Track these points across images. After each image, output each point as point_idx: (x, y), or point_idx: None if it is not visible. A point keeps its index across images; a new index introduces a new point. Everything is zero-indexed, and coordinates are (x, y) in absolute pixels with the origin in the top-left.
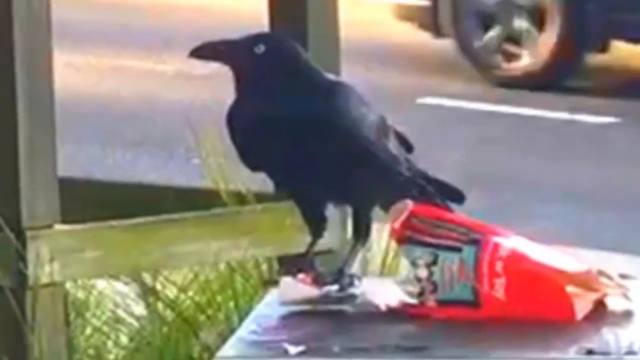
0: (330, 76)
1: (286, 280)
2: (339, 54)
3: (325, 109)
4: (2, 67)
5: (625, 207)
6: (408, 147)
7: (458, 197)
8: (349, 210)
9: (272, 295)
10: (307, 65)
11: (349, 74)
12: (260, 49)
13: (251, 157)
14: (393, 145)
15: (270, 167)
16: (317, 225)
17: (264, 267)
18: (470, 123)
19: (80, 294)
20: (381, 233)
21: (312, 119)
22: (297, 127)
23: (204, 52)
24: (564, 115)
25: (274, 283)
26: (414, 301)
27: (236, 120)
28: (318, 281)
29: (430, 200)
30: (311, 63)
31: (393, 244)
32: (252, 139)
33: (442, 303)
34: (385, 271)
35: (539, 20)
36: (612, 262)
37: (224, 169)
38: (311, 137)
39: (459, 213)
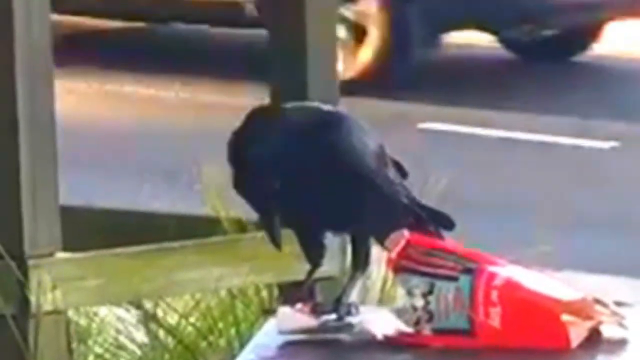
0: (329, 107)
1: (284, 310)
2: (337, 82)
3: (326, 141)
4: (3, 94)
5: None
6: (403, 174)
7: (448, 224)
8: (348, 238)
9: (271, 324)
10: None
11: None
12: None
13: (252, 191)
14: (392, 173)
15: (270, 198)
16: (316, 254)
17: (265, 293)
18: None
19: (82, 321)
20: (380, 261)
21: (313, 150)
22: (297, 159)
23: None
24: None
25: (273, 312)
26: (410, 330)
27: (236, 155)
28: (316, 310)
29: (425, 228)
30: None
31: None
32: (252, 173)
33: (438, 332)
34: (384, 298)
35: (358, 31)
36: (611, 286)
37: (224, 196)
38: (312, 168)
39: (454, 239)
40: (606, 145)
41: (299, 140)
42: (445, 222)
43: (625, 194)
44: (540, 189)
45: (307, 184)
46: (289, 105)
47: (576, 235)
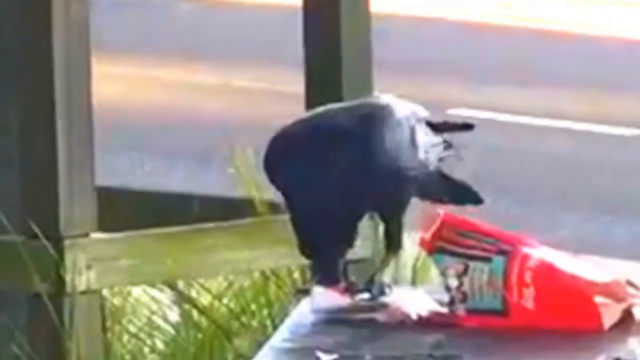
0: (362, 100)
1: (318, 289)
2: (372, 68)
3: (360, 132)
4: (41, 78)
5: None
6: (435, 128)
7: (476, 199)
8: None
9: (305, 304)
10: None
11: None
12: None
13: (281, 180)
14: (422, 151)
15: (300, 186)
16: (348, 238)
17: (297, 275)
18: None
19: (117, 301)
20: (412, 241)
21: (345, 141)
22: (330, 149)
23: None
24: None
25: (307, 292)
26: (444, 310)
27: (274, 160)
28: (350, 290)
29: (452, 202)
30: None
31: (422, 253)
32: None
33: (471, 312)
34: (417, 279)
35: None
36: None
37: (257, 179)
38: (343, 157)
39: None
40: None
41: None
42: (473, 197)
43: None
44: (564, 175)
45: (337, 169)
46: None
47: (596, 219)
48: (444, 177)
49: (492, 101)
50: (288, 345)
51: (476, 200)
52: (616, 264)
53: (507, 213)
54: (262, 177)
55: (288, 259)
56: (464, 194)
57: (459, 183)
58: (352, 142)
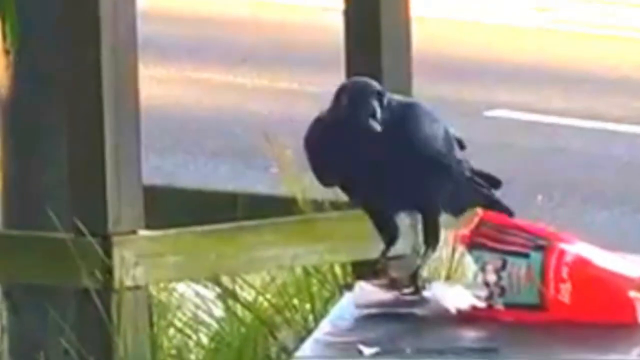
0: (401, 98)
1: (361, 284)
2: (411, 71)
3: (399, 130)
4: (90, 81)
5: None
6: (462, 146)
7: (497, 184)
8: (419, 217)
9: (347, 299)
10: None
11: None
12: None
13: (328, 177)
14: (458, 152)
15: (345, 184)
16: (390, 234)
17: (339, 271)
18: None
19: (162, 297)
20: (447, 239)
21: (386, 140)
22: (371, 148)
23: None
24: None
25: (350, 287)
26: (482, 305)
27: (314, 144)
28: (392, 285)
29: (486, 198)
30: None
31: (458, 249)
32: (328, 159)
33: (509, 306)
34: (451, 275)
35: None
36: None
37: (301, 178)
38: (385, 156)
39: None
40: None
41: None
42: (492, 182)
43: None
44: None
45: (381, 168)
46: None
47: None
48: (476, 186)
49: (530, 102)
50: (330, 338)
51: (495, 183)
52: None
53: None
54: (304, 176)
55: (329, 255)
56: (494, 205)
57: (478, 171)
58: (392, 133)
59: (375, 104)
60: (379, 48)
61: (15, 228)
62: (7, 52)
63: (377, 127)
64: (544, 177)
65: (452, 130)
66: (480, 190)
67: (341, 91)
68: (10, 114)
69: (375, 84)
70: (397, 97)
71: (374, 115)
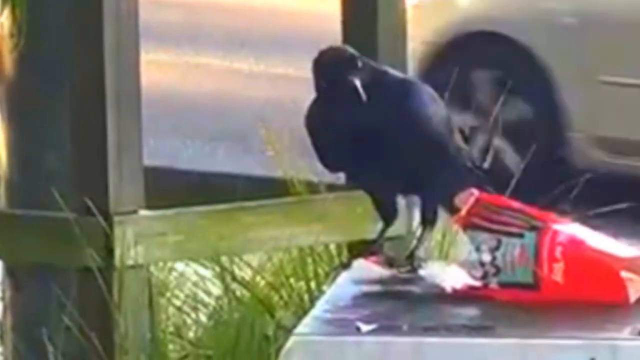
0: (401, 75)
1: (359, 262)
2: (407, 55)
3: (398, 108)
4: (93, 65)
5: None
6: (465, 138)
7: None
8: (416, 199)
9: (344, 277)
10: (374, 68)
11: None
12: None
13: (329, 157)
14: (458, 138)
15: (346, 164)
16: (389, 215)
17: (334, 251)
18: None
19: (162, 276)
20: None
21: (386, 117)
22: (371, 125)
23: None
24: None
25: (347, 265)
26: (477, 283)
27: (313, 123)
28: (390, 263)
29: (484, 188)
30: (377, 65)
31: (450, 231)
32: (329, 140)
33: (504, 286)
34: (446, 255)
35: None
36: None
37: (297, 160)
38: (385, 134)
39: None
40: None
41: (372, 106)
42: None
43: None
44: None
45: (381, 148)
46: (364, 69)
47: None
48: (477, 166)
49: None
50: (329, 315)
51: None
52: None
53: None
54: (301, 159)
55: (325, 235)
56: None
57: (485, 169)
58: (390, 111)
59: (352, 77)
60: (375, 26)
61: (19, 208)
62: (12, 36)
63: (363, 98)
64: None
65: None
66: (480, 185)
67: (315, 69)
68: (16, 97)
69: (345, 51)
70: (398, 75)
71: (355, 90)
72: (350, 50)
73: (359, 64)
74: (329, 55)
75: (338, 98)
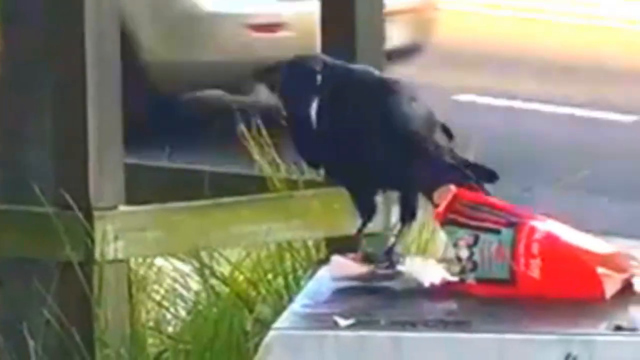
0: (379, 74)
1: (337, 258)
2: (383, 53)
3: (375, 106)
4: (74, 63)
5: None
6: (449, 135)
7: (493, 177)
8: (395, 196)
9: (323, 272)
10: (351, 68)
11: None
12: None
13: (310, 155)
14: (438, 136)
15: (325, 160)
16: (368, 211)
17: (312, 247)
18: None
19: (142, 270)
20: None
21: (364, 116)
22: (350, 124)
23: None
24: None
25: (326, 261)
26: (455, 279)
27: (292, 119)
28: (368, 259)
29: (470, 184)
30: (355, 65)
31: (428, 228)
32: (310, 138)
33: (481, 281)
34: (421, 252)
35: None
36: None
37: (276, 158)
38: (363, 132)
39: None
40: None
41: (351, 103)
42: (490, 176)
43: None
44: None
45: (359, 145)
46: (342, 67)
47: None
48: (464, 162)
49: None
50: (307, 310)
51: (493, 178)
52: (614, 241)
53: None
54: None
55: (302, 231)
56: (481, 174)
57: (476, 164)
58: (369, 110)
59: (309, 93)
60: (353, 35)
61: (1, 203)
62: None
63: (312, 123)
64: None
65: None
66: (465, 182)
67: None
68: None
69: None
70: (376, 74)
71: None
72: (315, 61)
73: (319, 78)
74: (292, 71)
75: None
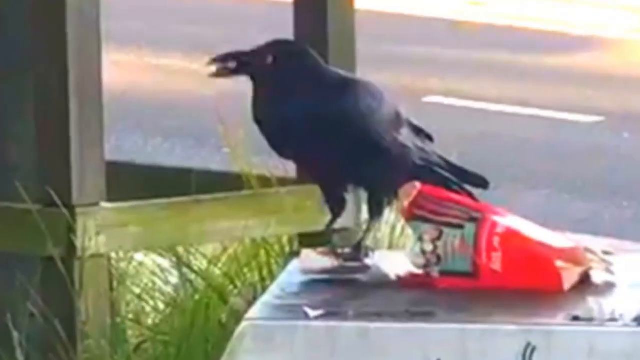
0: (343, 73)
1: (307, 252)
2: (355, 55)
3: (337, 105)
4: (57, 65)
5: None
6: (427, 136)
7: (482, 183)
8: (364, 193)
9: (294, 265)
10: (318, 64)
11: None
12: (269, 59)
13: (279, 148)
14: (406, 136)
15: (295, 157)
16: (337, 207)
17: (285, 242)
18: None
19: (122, 265)
20: (390, 212)
21: (327, 113)
22: (315, 121)
23: (227, 60)
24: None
25: (297, 254)
26: (420, 272)
27: (262, 118)
28: (337, 253)
29: (446, 185)
30: (322, 63)
31: (400, 223)
32: (278, 134)
33: (444, 274)
34: (393, 245)
35: None
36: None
37: (250, 156)
38: (327, 130)
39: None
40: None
41: (313, 103)
42: (479, 182)
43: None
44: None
45: (323, 143)
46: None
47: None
48: (445, 164)
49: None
50: (278, 302)
51: (483, 184)
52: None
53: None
54: (254, 155)
55: (277, 227)
56: (469, 179)
57: (461, 169)
58: (334, 109)
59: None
60: (325, 36)
61: None
62: None
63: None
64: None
65: (413, 120)
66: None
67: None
68: None
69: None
70: (344, 74)
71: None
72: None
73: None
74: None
75: (282, 92)
